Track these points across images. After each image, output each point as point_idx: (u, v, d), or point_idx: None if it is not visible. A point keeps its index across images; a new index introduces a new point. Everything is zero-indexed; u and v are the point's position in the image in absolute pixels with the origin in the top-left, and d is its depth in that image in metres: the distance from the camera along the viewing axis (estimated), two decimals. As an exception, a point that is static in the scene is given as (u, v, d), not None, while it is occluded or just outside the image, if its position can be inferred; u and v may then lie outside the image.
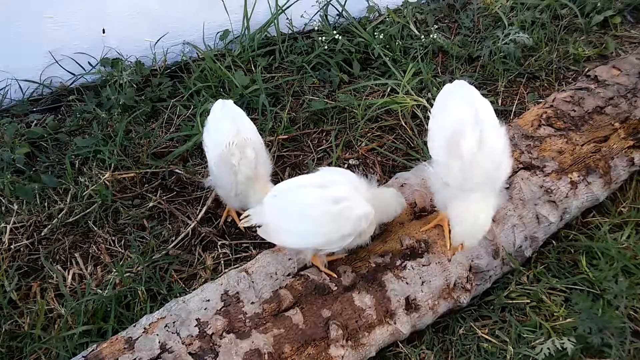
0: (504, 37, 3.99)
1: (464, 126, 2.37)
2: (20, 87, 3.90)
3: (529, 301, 2.77)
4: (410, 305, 2.58)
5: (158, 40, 4.11)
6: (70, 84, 4.00)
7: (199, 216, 3.19)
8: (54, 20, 3.78)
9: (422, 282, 2.60)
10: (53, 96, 3.97)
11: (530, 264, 2.91)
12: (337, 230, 2.35)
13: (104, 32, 3.96)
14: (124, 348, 2.31)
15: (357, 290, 2.53)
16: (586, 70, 3.91)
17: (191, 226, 3.13)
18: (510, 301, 2.78)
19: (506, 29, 4.06)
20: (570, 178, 3.00)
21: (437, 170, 2.49)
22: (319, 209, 2.35)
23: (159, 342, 2.32)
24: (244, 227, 2.81)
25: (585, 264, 2.87)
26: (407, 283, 2.58)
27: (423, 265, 2.63)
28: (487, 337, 2.67)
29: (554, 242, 3.00)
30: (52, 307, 2.81)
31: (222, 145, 2.76)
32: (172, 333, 2.36)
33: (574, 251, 2.97)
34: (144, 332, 2.37)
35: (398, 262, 2.63)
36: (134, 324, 2.44)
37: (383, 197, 2.53)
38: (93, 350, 2.32)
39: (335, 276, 2.56)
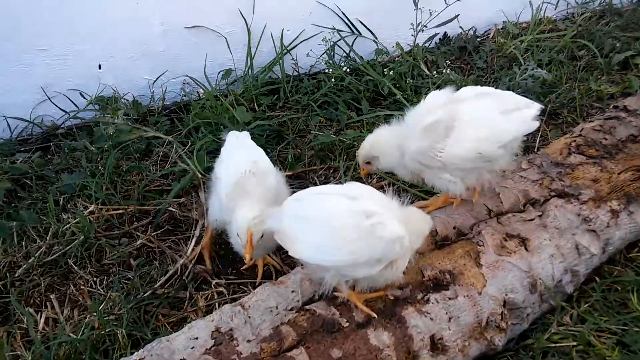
0: (522, 72, 3.77)
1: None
2: (8, 125, 3.67)
3: (575, 344, 2.36)
4: (437, 345, 2.18)
5: (157, 79, 3.91)
6: (62, 123, 3.76)
7: (190, 248, 2.86)
8: (48, 54, 3.61)
9: (449, 318, 2.21)
10: (43, 136, 3.72)
11: (573, 302, 2.52)
12: (365, 251, 1.96)
13: (100, 68, 3.77)
14: (93, 393, 1.92)
15: (373, 326, 2.14)
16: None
17: (181, 262, 2.78)
18: (553, 344, 2.37)
19: (523, 65, 3.85)
20: (610, 207, 2.67)
21: None
22: (346, 221, 1.98)
23: (135, 386, 1.93)
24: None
25: (636, 301, 2.48)
26: (431, 319, 2.19)
27: (449, 299, 2.25)
28: (528, 386, 2.25)
29: (597, 278, 2.62)
30: (19, 353, 2.42)
31: (238, 173, 2.44)
32: (151, 376, 1.96)
33: (622, 288, 2.58)
34: (117, 374, 1.98)
35: (420, 295, 2.25)
36: (108, 368, 2.05)
37: (412, 217, 2.10)
38: (56, 398, 1.93)
39: (375, 315, 2.16)
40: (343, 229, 1.98)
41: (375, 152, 2.54)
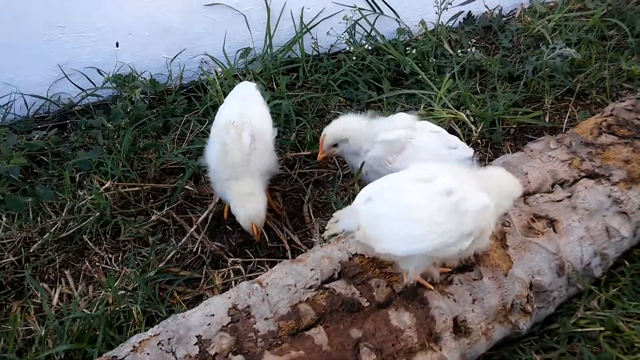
0: (550, 51, 3.64)
1: None
2: (25, 102, 3.64)
3: (602, 329, 2.27)
4: (460, 327, 2.10)
5: (175, 57, 3.85)
6: (79, 101, 3.72)
7: (200, 219, 2.85)
8: (65, 31, 3.55)
9: (473, 300, 2.14)
10: (60, 113, 3.69)
11: (601, 286, 2.43)
12: (455, 229, 1.89)
13: (117, 46, 3.71)
14: (106, 369, 1.88)
15: (394, 307, 2.07)
16: (643, 86, 3.53)
17: (199, 241, 2.74)
18: (579, 329, 2.29)
19: (550, 44, 3.72)
20: (643, 188, 2.56)
21: None
22: (430, 207, 1.91)
23: (149, 363, 1.88)
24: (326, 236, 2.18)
25: (667, 287, 2.38)
26: (454, 300, 2.12)
27: (474, 280, 2.17)
28: (554, 372, 2.16)
29: (626, 262, 2.53)
30: (32, 328, 2.39)
31: (222, 123, 2.62)
32: (167, 352, 1.91)
33: (652, 273, 2.49)
34: (132, 350, 1.93)
35: (442, 276, 2.17)
36: (122, 344, 2.00)
37: (494, 178, 2.04)
38: (70, 373, 1.89)
39: (432, 288, 2.11)
40: (428, 215, 1.91)
41: (347, 134, 2.71)
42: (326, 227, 2.03)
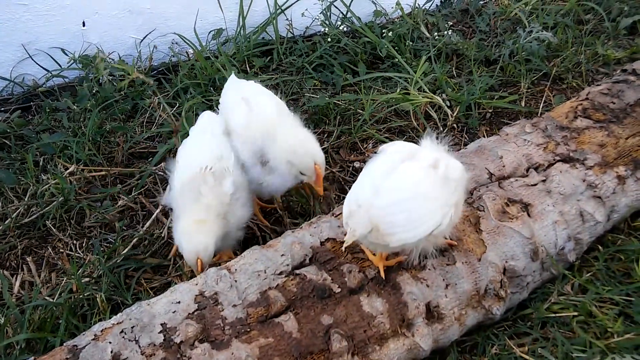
0: (527, 34, 3.61)
1: None
2: (-13, 84, 3.50)
3: (575, 314, 2.25)
4: (432, 313, 2.07)
5: (144, 38, 3.74)
6: (44, 82, 3.59)
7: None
8: (29, 9, 3.41)
9: (447, 286, 2.10)
10: (24, 95, 3.56)
11: (574, 271, 2.41)
12: (449, 199, 1.88)
13: (84, 25, 3.58)
14: (66, 359, 1.80)
15: (366, 292, 2.03)
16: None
17: (166, 226, 2.65)
18: (553, 315, 2.26)
19: (527, 28, 3.68)
20: (617, 172, 2.54)
21: None
22: (428, 182, 1.86)
23: (111, 352, 1.81)
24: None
25: (640, 271, 2.37)
26: (427, 286, 2.08)
27: (447, 265, 2.13)
28: (527, 357, 2.14)
29: (600, 247, 2.51)
30: (-9, 318, 2.30)
31: (197, 167, 2.26)
32: (130, 340, 1.85)
33: (625, 258, 2.47)
34: (93, 339, 1.86)
35: (416, 261, 2.13)
36: (84, 333, 1.93)
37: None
38: (28, 363, 1.82)
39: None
40: (430, 191, 1.86)
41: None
42: (345, 239, 1.87)
